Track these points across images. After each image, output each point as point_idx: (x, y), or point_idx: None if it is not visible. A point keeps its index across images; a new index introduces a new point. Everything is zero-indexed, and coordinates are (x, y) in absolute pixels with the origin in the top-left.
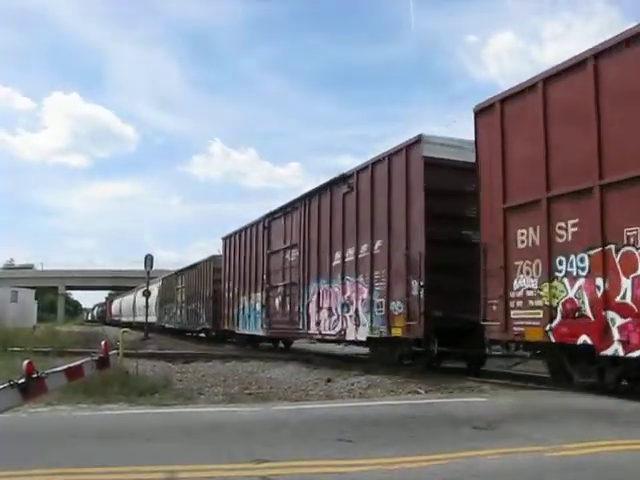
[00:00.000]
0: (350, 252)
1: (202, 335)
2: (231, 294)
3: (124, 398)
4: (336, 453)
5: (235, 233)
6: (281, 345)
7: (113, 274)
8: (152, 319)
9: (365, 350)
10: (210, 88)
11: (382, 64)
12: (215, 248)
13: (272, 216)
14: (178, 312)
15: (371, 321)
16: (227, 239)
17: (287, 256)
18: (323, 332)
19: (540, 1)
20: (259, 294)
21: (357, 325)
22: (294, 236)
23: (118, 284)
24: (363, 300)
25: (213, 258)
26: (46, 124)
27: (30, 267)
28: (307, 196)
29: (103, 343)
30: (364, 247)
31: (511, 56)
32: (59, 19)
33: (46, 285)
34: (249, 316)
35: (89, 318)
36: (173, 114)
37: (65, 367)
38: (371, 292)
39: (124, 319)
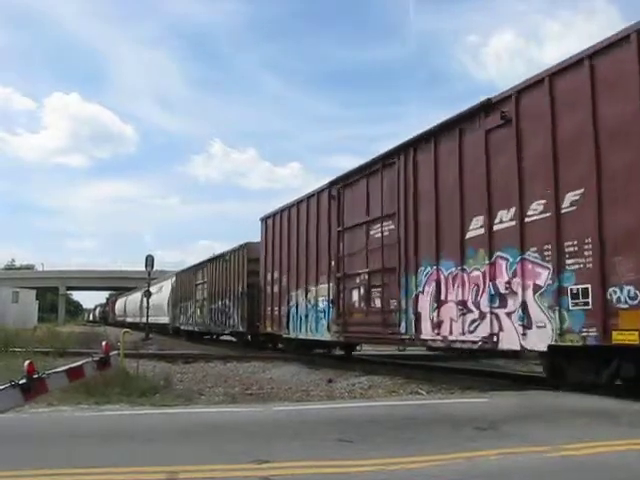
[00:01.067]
0: (504, 215)
1: (231, 339)
2: (276, 289)
3: (125, 399)
4: (337, 453)
5: (281, 210)
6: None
7: (114, 274)
8: (164, 320)
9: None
10: (210, 88)
11: (382, 64)
12: (216, 248)
13: (344, 181)
14: (198, 312)
15: (560, 320)
16: (268, 219)
17: (373, 232)
18: (450, 337)
19: (540, 0)
20: (323, 287)
21: (526, 327)
22: (387, 204)
23: (119, 285)
24: (539, 287)
25: (247, 246)
26: (46, 124)
27: (31, 268)
28: (410, 145)
29: (104, 343)
30: (536, 205)
31: (511, 55)
32: (59, 19)
33: (47, 285)
34: (306, 316)
35: (90, 318)
36: (173, 114)
37: (66, 367)
38: (558, 273)
39: (129, 319)
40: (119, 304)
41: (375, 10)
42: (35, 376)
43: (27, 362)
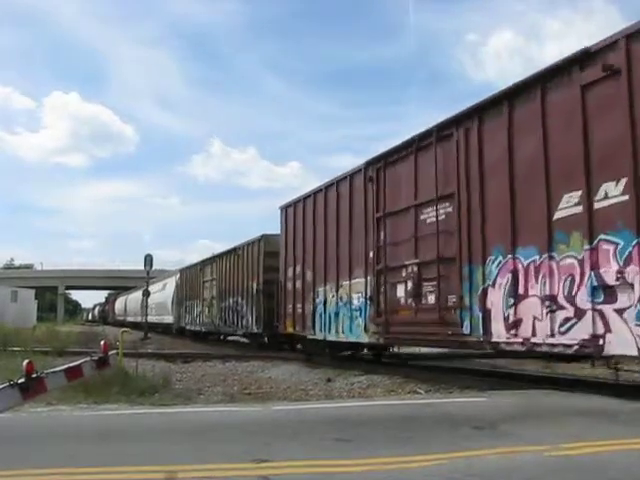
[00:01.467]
0: (611, 189)
1: (243, 340)
2: (298, 285)
3: (124, 398)
4: (336, 453)
5: (305, 197)
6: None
7: (113, 274)
8: (168, 319)
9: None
10: (210, 87)
11: (382, 64)
12: (215, 248)
13: (385, 160)
14: (206, 311)
15: None
16: (289, 208)
17: (425, 217)
18: (533, 340)
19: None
20: (359, 281)
21: None
22: (442, 183)
23: (118, 284)
24: None
25: (264, 238)
26: (46, 124)
27: (30, 267)
28: (473, 113)
29: (102, 343)
30: None
31: (510, 55)
32: (59, 18)
33: (46, 285)
34: (336, 314)
35: (89, 318)
36: (173, 113)
37: (65, 367)
38: None
39: (130, 319)
40: (119, 303)
41: (375, 10)
42: (34, 375)
43: (26, 362)
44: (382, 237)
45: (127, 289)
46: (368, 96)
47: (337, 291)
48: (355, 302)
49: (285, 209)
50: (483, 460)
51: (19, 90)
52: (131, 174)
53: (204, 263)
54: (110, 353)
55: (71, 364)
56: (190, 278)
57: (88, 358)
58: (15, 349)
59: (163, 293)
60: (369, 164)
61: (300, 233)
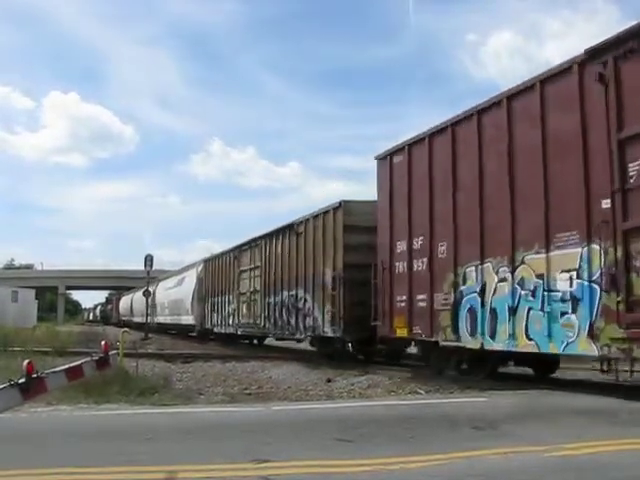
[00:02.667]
0: None
1: (303, 346)
2: (420, 265)
3: (124, 398)
4: (336, 453)
5: (430, 134)
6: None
7: (113, 274)
8: (187, 320)
9: None
10: (209, 87)
11: (382, 64)
12: (215, 248)
13: (624, 47)
14: (243, 309)
15: None
16: (396, 156)
17: None
18: None
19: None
20: (572, 252)
21: None
22: None
23: (118, 284)
24: None
25: (344, 206)
26: (45, 123)
27: (30, 267)
28: None
29: (103, 343)
30: None
31: (510, 55)
32: (59, 18)
33: (46, 285)
34: (511, 309)
35: (90, 318)
36: (172, 113)
37: (65, 367)
38: None
39: (137, 319)
40: (124, 303)
41: (375, 10)
42: (34, 376)
43: (26, 361)
44: (633, 173)
45: (127, 289)
46: (368, 96)
47: (512, 271)
48: (562, 288)
49: (389, 157)
50: (483, 460)
51: (19, 90)
52: (131, 174)
53: (241, 248)
54: (111, 353)
55: (71, 364)
56: (219, 269)
57: (89, 358)
58: (15, 349)
59: (180, 289)
60: (593, 54)
61: (422, 188)
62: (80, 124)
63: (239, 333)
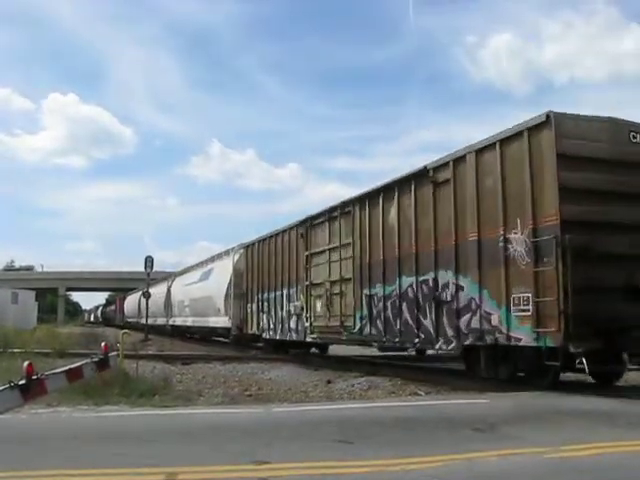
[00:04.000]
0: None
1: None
2: None
3: (124, 399)
4: (336, 454)
5: None
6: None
7: (113, 275)
8: (218, 322)
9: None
10: (209, 89)
11: (381, 65)
12: (214, 249)
13: None
14: (316, 307)
15: None
16: None
17: None
18: None
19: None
20: None
21: None
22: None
23: (118, 285)
24: None
25: (559, 119)
26: (45, 125)
27: (30, 269)
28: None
29: (103, 344)
30: None
31: (509, 56)
32: (58, 19)
33: (46, 287)
34: None
35: (91, 319)
36: (172, 115)
37: (65, 368)
38: None
39: (148, 321)
40: (130, 302)
41: (374, 11)
42: (34, 377)
43: (26, 363)
44: None
45: (127, 291)
46: (367, 97)
47: None
48: None
49: None
50: (484, 462)
51: (18, 91)
52: (130, 176)
53: (311, 223)
54: (111, 355)
55: (71, 365)
56: (270, 255)
57: (89, 360)
58: (15, 351)
59: (207, 284)
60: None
61: None
62: (79, 125)
63: (312, 340)
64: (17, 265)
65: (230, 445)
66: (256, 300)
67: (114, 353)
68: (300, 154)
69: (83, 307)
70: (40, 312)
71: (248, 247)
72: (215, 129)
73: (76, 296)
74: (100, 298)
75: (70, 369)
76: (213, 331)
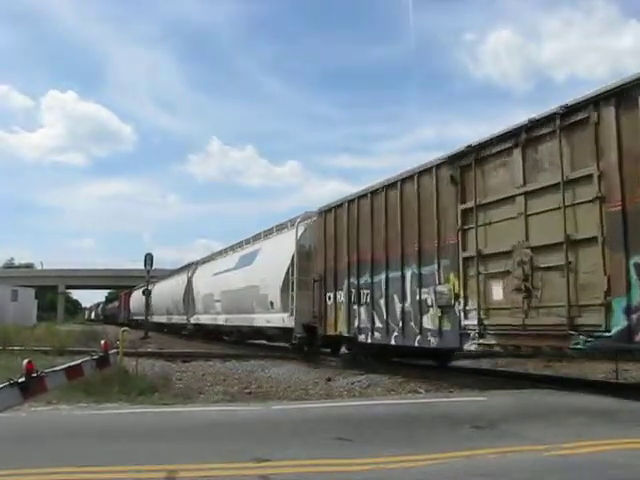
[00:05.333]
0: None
1: None
2: None
3: (124, 397)
4: (336, 452)
5: None
6: None
7: (113, 273)
8: (269, 320)
9: None
10: (208, 87)
11: (381, 64)
12: (214, 247)
13: None
14: (482, 298)
15: None
16: None
17: None
18: None
19: None
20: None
21: None
22: None
23: (118, 283)
24: None
25: None
26: (44, 122)
27: (30, 266)
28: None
29: (103, 342)
30: None
31: (509, 53)
32: (57, 17)
33: (46, 284)
34: None
35: (92, 317)
36: (171, 113)
37: (65, 366)
38: None
39: (162, 319)
40: (138, 298)
41: (374, 10)
42: (34, 375)
43: (26, 361)
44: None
45: (127, 288)
46: (367, 96)
47: None
48: None
49: None
50: (483, 460)
51: (17, 89)
52: (130, 173)
53: (476, 156)
54: (111, 352)
55: (71, 363)
56: (372, 218)
57: (88, 357)
58: (15, 348)
59: (249, 271)
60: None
61: None
62: (79, 123)
63: (484, 348)
64: (17, 263)
65: (230, 443)
66: (344, 287)
67: (114, 351)
68: (300, 152)
69: (83, 305)
70: (40, 310)
71: (324, 213)
72: (214, 127)
73: (76, 294)
74: (100, 296)
75: (70, 367)
76: (260, 332)
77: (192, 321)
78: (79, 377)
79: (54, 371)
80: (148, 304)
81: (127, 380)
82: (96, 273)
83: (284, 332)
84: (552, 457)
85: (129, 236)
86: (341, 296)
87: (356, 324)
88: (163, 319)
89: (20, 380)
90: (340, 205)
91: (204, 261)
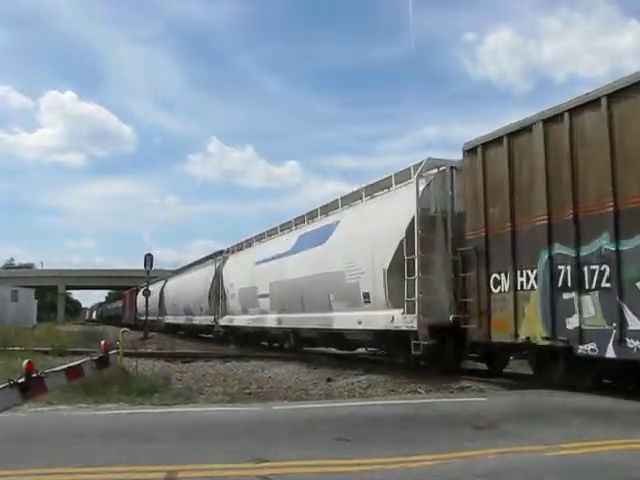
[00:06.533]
0: None
1: None
2: None
3: (124, 398)
4: (336, 453)
5: None
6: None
7: (113, 273)
8: (362, 319)
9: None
10: (208, 87)
11: (380, 64)
12: (215, 247)
13: None
14: None
15: None
16: None
17: None
18: None
19: None
20: None
21: None
22: None
23: (118, 283)
24: None
25: None
26: (44, 123)
27: (30, 267)
28: None
29: (103, 343)
30: None
31: (508, 53)
32: (57, 17)
33: (46, 285)
34: None
35: (93, 317)
36: (171, 113)
37: (65, 366)
38: None
39: (175, 319)
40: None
41: (373, 10)
42: (34, 375)
43: (26, 361)
44: None
45: (127, 288)
46: (367, 96)
47: None
48: None
49: None
50: (483, 459)
51: (16, 89)
52: (130, 173)
53: None
54: (110, 353)
55: (71, 364)
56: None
57: (88, 358)
58: (15, 349)
59: (324, 250)
60: None
61: None
62: (78, 123)
63: None
64: (17, 263)
65: (230, 443)
66: (540, 262)
67: (114, 351)
68: (299, 152)
69: (83, 305)
70: (40, 310)
71: (481, 150)
72: (214, 127)
73: (76, 294)
74: (100, 296)
75: (70, 367)
76: (339, 338)
77: (222, 322)
78: (79, 377)
79: (54, 371)
80: (147, 305)
81: (127, 381)
82: (96, 273)
83: (389, 337)
84: (552, 457)
85: (129, 236)
86: (530, 277)
87: (572, 323)
88: (180, 320)
89: (20, 380)
90: (518, 132)
91: (238, 248)
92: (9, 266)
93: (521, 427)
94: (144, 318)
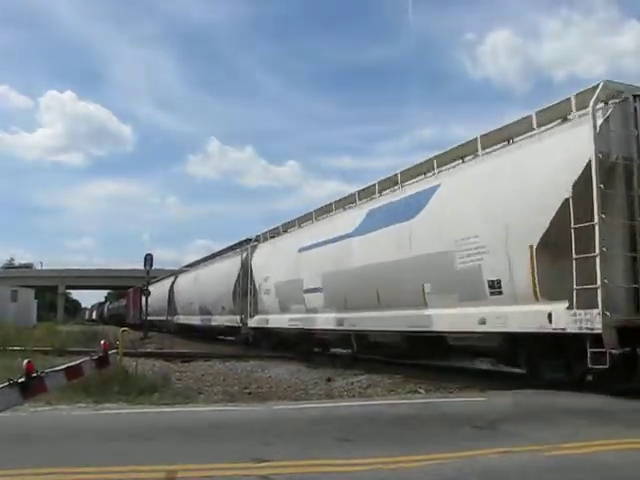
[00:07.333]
0: None
1: None
2: None
3: (123, 397)
4: (336, 452)
5: None
6: None
7: (113, 273)
8: (486, 317)
9: None
10: (208, 87)
11: (380, 64)
12: (214, 247)
13: None
14: None
15: None
16: None
17: None
18: None
19: None
20: None
21: None
22: None
23: (118, 283)
24: None
25: None
26: (43, 122)
27: (30, 266)
28: None
29: (103, 342)
30: None
31: (508, 53)
32: (57, 17)
33: (46, 284)
34: None
35: (93, 317)
36: (171, 113)
37: (65, 366)
38: None
39: (188, 319)
40: (154, 294)
41: (373, 10)
42: (34, 375)
43: (26, 361)
44: None
45: (127, 288)
46: (367, 96)
47: None
48: None
49: None
50: (483, 459)
51: (16, 89)
52: (129, 173)
53: None
54: (110, 352)
55: (71, 363)
56: None
57: (88, 357)
58: (15, 348)
59: (409, 227)
60: None
61: None
62: (78, 123)
63: None
64: (16, 263)
65: (230, 443)
66: None
67: (114, 351)
68: (299, 152)
69: (83, 305)
70: (40, 310)
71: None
72: (214, 127)
73: (76, 294)
74: (100, 296)
75: (70, 367)
76: (437, 344)
77: (252, 324)
78: (79, 377)
79: (54, 371)
80: (147, 304)
81: (127, 380)
82: (96, 273)
83: (535, 344)
84: (551, 457)
85: (129, 236)
86: None
87: None
88: (195, 320)
89: (20, 380)
90: None
91: (271, 235)
92: (9, 266)
93: (521, 427)
94: (153, 319)
